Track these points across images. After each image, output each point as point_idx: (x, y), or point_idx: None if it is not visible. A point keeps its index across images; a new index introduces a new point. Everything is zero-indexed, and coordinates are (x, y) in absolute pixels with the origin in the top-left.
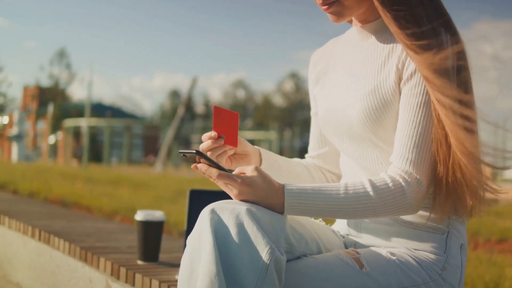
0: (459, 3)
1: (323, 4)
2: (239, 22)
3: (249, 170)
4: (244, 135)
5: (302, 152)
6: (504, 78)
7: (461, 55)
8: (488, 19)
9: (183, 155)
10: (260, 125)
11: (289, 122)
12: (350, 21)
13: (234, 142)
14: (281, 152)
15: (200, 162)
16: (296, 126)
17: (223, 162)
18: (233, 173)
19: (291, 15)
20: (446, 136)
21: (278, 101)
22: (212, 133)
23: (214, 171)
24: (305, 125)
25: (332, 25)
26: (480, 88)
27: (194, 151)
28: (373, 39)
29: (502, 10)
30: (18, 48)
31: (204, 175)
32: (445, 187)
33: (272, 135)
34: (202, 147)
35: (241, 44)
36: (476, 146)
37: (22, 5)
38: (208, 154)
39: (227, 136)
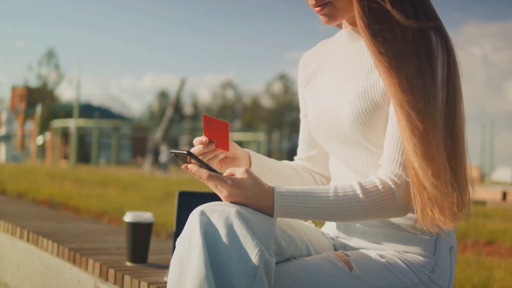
0: (448, 4)
1: (316, 5)
2: (229, 23)
3: (239, 172)
4: (232, 136)
5: (290, 153)
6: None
7: (451, 64)
8: (477, 21)
9: (174, 155)
10: (248, 127)
11: (277, 123)
12: (339, 25)
13: (225, 147)
14: (269, 154)
15: (191, 163)
16: (284, 128)
17: (214, 165)
18: (224, 174)
19: (280, 16)
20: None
21: (267, 102)
22: (203, 138)
23: (204, 172)
24: (294, 126)
25: (322, 26)
26: (469, 91)
27: (185, 152)
28: (363, 41)
29: (491, 12)
30: (7, 48)
31: (195, 175)
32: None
33: (261, 136)
34: (193, 151)
35: (230, 45)
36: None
37: (12, 4)
38: (199, 157)
39: (218, 141)
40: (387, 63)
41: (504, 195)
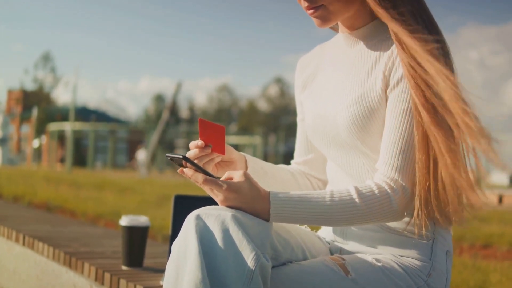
0: (445, 6)
1: (309, 8)
2: (225, 26)
3: (237, 176)
4: (229, 140)
5: (286, 157)
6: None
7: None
8: (475, 24)
9: (170, 159)
10: (244, 130)
11: (273, 127)
12: (335, 29)
13: (221, 151)
14: (265, 157)
15: (186, 167)
16: (280, 131)
17: (210, 169)
18: (222, 177)
19: (277, 19)
20: (427, 143)
21: (263, 105)
22: (199, 142)
23: (200, 177)
24: (290, 130)
25: (319, 29)
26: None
27: (181, 156)
28: (359, 45)
29: (488, 15)
30: (3, 51)
31: (191, 179)
32: (425, 194)
33: (257, 140)
34: (189, 155)
35: (226, 48)
36: (457, 156)
37: (8, 8)
38: (195, 161)
39: (214, 145)
40: (405, 25)
41: (500, 199)
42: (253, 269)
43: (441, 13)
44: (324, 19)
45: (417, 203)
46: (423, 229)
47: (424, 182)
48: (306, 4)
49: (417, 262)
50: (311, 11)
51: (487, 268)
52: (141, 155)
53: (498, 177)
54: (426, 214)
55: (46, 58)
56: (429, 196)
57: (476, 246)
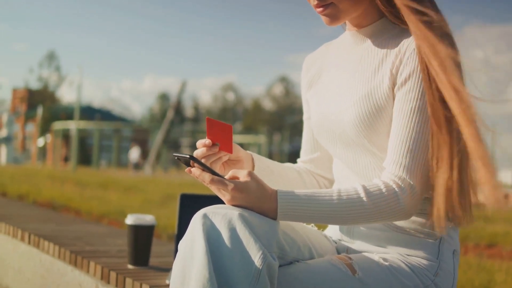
0: (450, 5)
1: (318, 6)
2: (230, 25)
3: (242, 175)
4: (234, 139)
5: (291, 156)
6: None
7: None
8: (479, 24)
9: (177, 158)
10: (249, 129)
11: (278, 126)
12: (343, 26)
13: (228, 149)
14: (270, 156)
15: (193, 166)
16: (285, 130)
17: (217, 168)
18: (226, 177)
19: (281, 19)
20: (450, 141)
21: (268, 105)
22: (207, 141)
23: (207, 176)
24: (295, 129)
25: (323, 28)
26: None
27: (188, 156)
28: (367, 43)
29: (493, 15)
30: (8, 50)
31: (198, 179)
32: (446, 192)
33: (262, 139)
34: (196, 153)
35: (231, 47)
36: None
37: (12, 7)
38: (203, 160)
39: (221, 144)
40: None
41: (505, 198)
42: (260, 268)
43: (445, 12)
44: (333, 17)
45: (439, 202)
46: (443, 230)
47: (446, 179)
48: (315, 2)
49: (424, 262)
50: (321, 9)
51: (492, 267)
52: (134, 153)
53: (503, 176)
54: (449, 212)
55: (51, 57)
56: (453, 194)
57: (481, 245)
